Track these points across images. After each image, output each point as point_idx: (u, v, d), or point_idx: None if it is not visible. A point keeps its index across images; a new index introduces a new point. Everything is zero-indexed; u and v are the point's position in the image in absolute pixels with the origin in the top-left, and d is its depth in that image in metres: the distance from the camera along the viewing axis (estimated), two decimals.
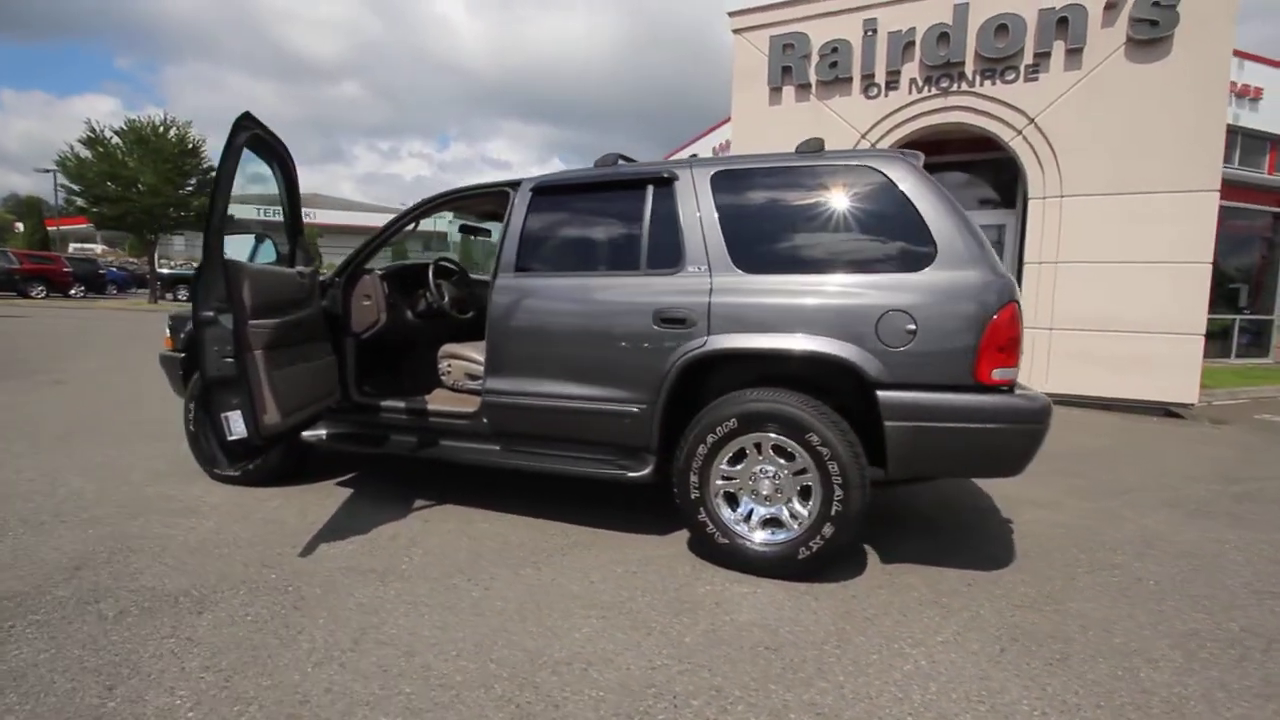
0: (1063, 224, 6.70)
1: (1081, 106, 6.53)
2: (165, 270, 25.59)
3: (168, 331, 3.86)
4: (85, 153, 19.16)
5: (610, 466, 2.84)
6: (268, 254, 3.02)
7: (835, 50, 7.62)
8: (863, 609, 2.36)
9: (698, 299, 2.63)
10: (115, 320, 15.05)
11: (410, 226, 3.44)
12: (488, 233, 4.36)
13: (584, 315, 2.83)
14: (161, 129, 19.64)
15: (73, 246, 35.46)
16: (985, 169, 7.94)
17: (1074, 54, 6.52)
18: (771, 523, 2.60)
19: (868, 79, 7.60)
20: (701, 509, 2.62)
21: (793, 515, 2.56)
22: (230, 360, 2.32)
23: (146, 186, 19.05)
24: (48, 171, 26.69)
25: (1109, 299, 6.36)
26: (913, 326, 2.36)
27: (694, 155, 27.74)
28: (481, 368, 3.39)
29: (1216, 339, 10.37)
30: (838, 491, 2.43)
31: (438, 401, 3.33)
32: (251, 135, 2.43)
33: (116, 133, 19.51)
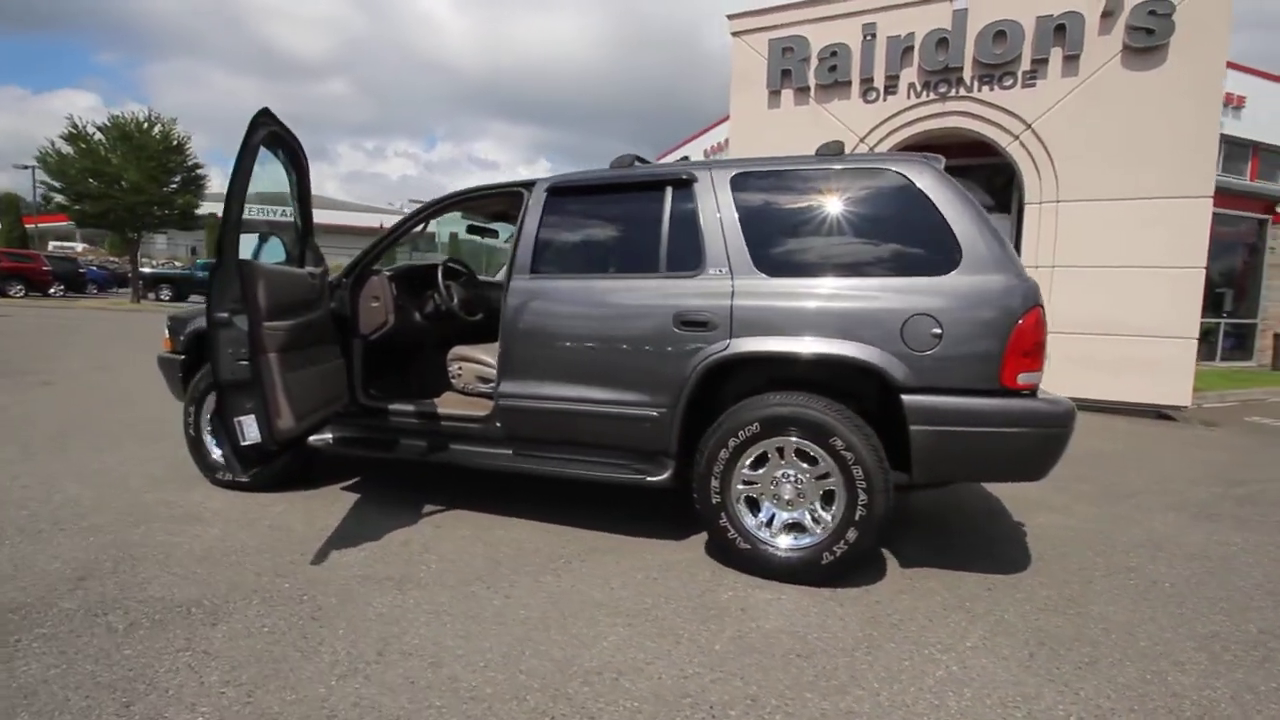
0: (1059, 229, 6.77)
1: (1078, 113, 6.60)
2: (147, 269, 25.12)
3: (166, 333, 3.77)
4: (67, 149, 18.76)
5: (628, 471, 2.81)
6: (274, 254, 2.95)
7: (834, 54, 7.65)
8: (888, 614, 2.35)
9: (719, 302, 2.60)
10: (97, 320, 14.75)
11: (420, 227, 3.38)
12: (495, 233, 4.31)
13: (602, 318, 2.79)
14: (146, 125, 19.29)
15: (52, 244, 34.75)
16: (982, 173, 8.00)
17: (1071, 61, 6.59)
18: (794, 528, 2.58)
19: (866, 83, 7.63)
20: (723, 514, 2.60)
21: (815, 520, 2.54)
22: (245, 363, 2.25)
23: (130, 184, 18.67)
24: (26, 168, 26.16)
25: (1104, 303, 6.43)
26: (938, 330, 2.36)
27: (685, 157, 27.78)
28: (493, 370, 3.34)
29: (1202, 342, 10.54)
30: (862, 496, 2.41)
31: (448, 405, 3.28)
32: (269, 132, 2.37)
33: (100, 129, 19.14)
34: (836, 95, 7.82)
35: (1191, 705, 1.89)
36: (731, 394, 2.74)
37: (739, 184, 2.75)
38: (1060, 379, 6.68)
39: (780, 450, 2.55)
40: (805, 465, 2.53)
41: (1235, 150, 13.04)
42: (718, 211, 2.73)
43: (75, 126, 18.78)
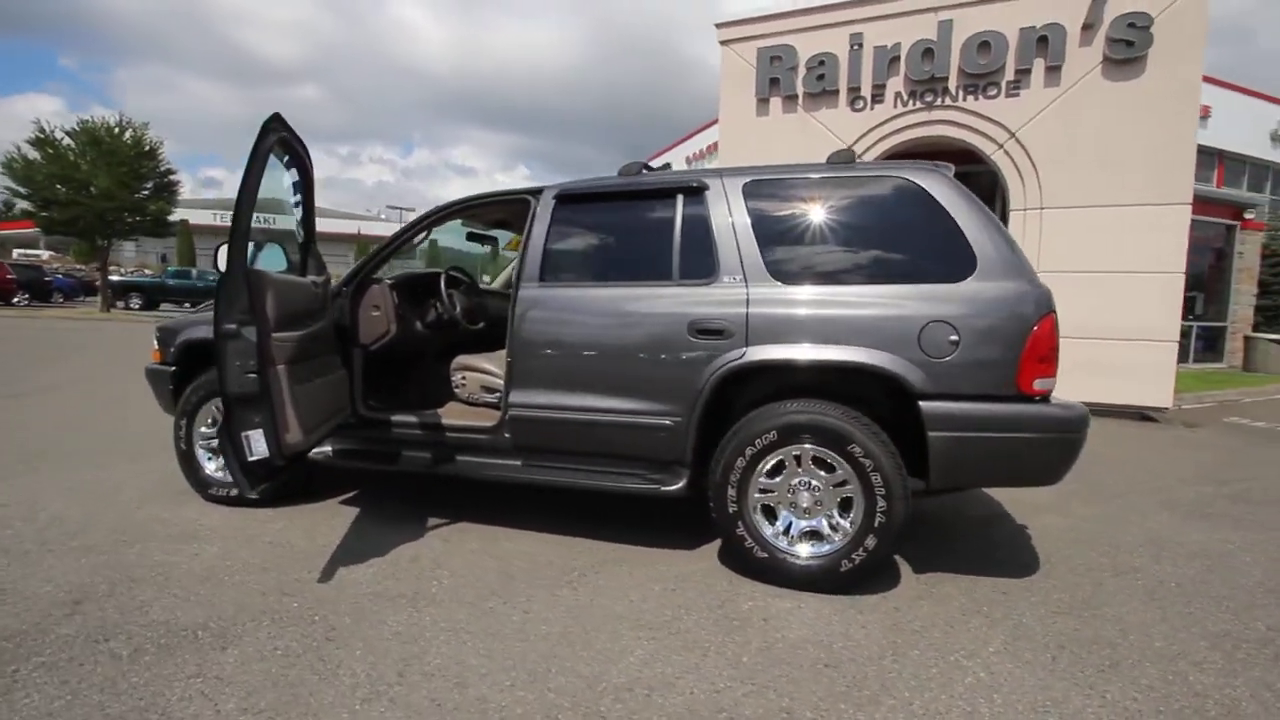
0: (1043, 235, 6.90)
1: (1060, 122, 6.76)
2: (116, 277, 24.44)
3: (155, 344, 3.65)
4: (34, 154, 18.20)
5: (642, 481, 2.78)
6: (274, 261, 2.86)
7: (822, 63, 7.73)
8: (909, 621, 2.34)
9: (735, 310, 2.59)
10: (67, 330, 14.29)
11: (422, 235, 3.32)
12: (494, 240, 4.26)
13: (615, 326, 2.76)
14: (117, 130, 18.80)
15: (16, 252, 33.68)
16: (966, 181, 8.12)
17: (1053, 71, 6.74)
18: (811, 535, 2.57)
19: (854, 92, 7.73)
20: (740, 523, 2.58)
21: (833, 528, 2.54)
22: (253, 376, 2.18)
23: (100, 190, 18.16)
24: None
25: (1088, 307, 6.56)
26: (955, 337, 2.37)
27: (666, 164, 27.92)
28: (498, 380, 3.30)
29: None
30: (881, 503, 2.41)
31: (452, 415, 3.22)
32: (279, 139, 2.30)
33: (68, 133, 18.59)
34: (824, 104, 7.91)
35: (1215, 705, 1.92)
36: (744, 402, 2.73)
37: (751, 192, 2.75)
38: None
39: (797, 458, 2.54)
40: (823, 473, 2.53)
41: (1202, 158, 13.44)
42: (730, 219, 2.72)
43: (43, 131, 18.24)
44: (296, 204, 2.75)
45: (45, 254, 37.16)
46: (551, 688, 1.88)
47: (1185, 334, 11.46)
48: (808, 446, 2.50)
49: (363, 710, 1.75)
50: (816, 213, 2.73)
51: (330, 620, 2.22)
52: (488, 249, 4.54)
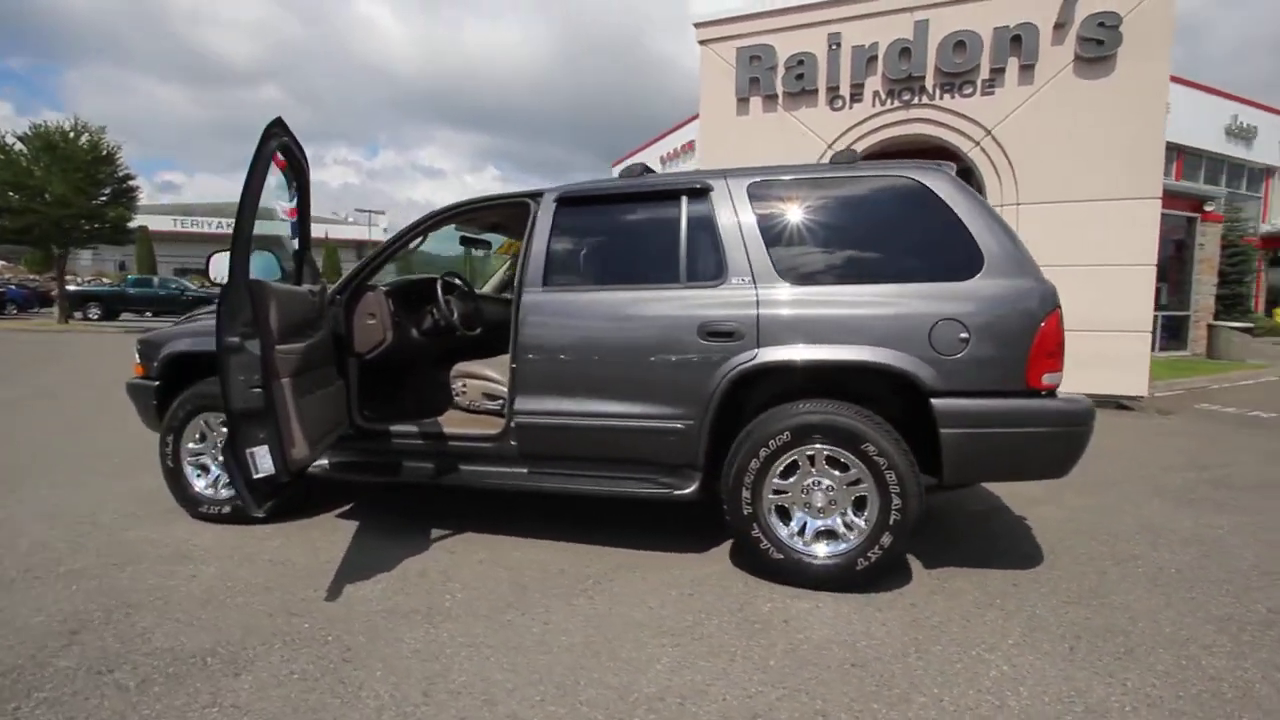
0: (1020, 229, 7.02)
1: (1035, 119, 6.91)
2: (73, 287, 23.55)
3: (137, 357, 3.50)
4: None
5: (653, 485, 2.75)
6: (268, 270, 2.77)
7: (801, 63, 7.79)
8: (927, 617, 2.36)
9: (745, 311, 2.58)
10: (24, 343, 13.72)
11: (417, 240, 3.25)
12: (488, 245, 4.19)
13: (623, 330, 2.73)
14: (72, 134, 18.10)
15: None
16: None
17: (1027, 70, 6.90)
18: (826, 535, 2.57)
19: (832, 91, 7.81)
20: (755, 525, 2.57)
21: (848, 526, 2.54)
22: (257, 390, 2.10)
23: (54, 197, 17.46)
24: None
25: (1065, 299, 6.69)
26: (965, 335, 2.39)
27: (642, 164, 27.93)
28: (499, 387, 3.25)
29: None
30: (896, 501, 2.43)
31: (454, 424, 3.15)
32: (280, 144, 2.22)
33: (20, 138, 17.85)
34: (804, 103, 7.97)
35: (1230, 687, 1.97)
36: (753, 404, 2.72)
37: (756, 193, 2.74)
38: None
39: (811, 458, 2.54)
40: (836, 472, 2.53)
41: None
42: (737, 220, 2.71)
43: None
44: (292, 210, 2.66)
45: None
46: (583, 700, 1.84)
47: (1152, 324, 11.85)
48: (821, 446, 2.51)
49: None
50: (822, 213, 2.73)
51: (344, 640, 2.15)
52: (483, 253, 4.47)
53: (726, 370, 2.57)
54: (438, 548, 2.99)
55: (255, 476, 2.16)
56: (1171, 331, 12.33)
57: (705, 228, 2.76)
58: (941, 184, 2.58)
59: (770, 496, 2.58)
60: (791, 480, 2.58)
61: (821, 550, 2.53)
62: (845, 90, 7.76)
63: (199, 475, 3.32)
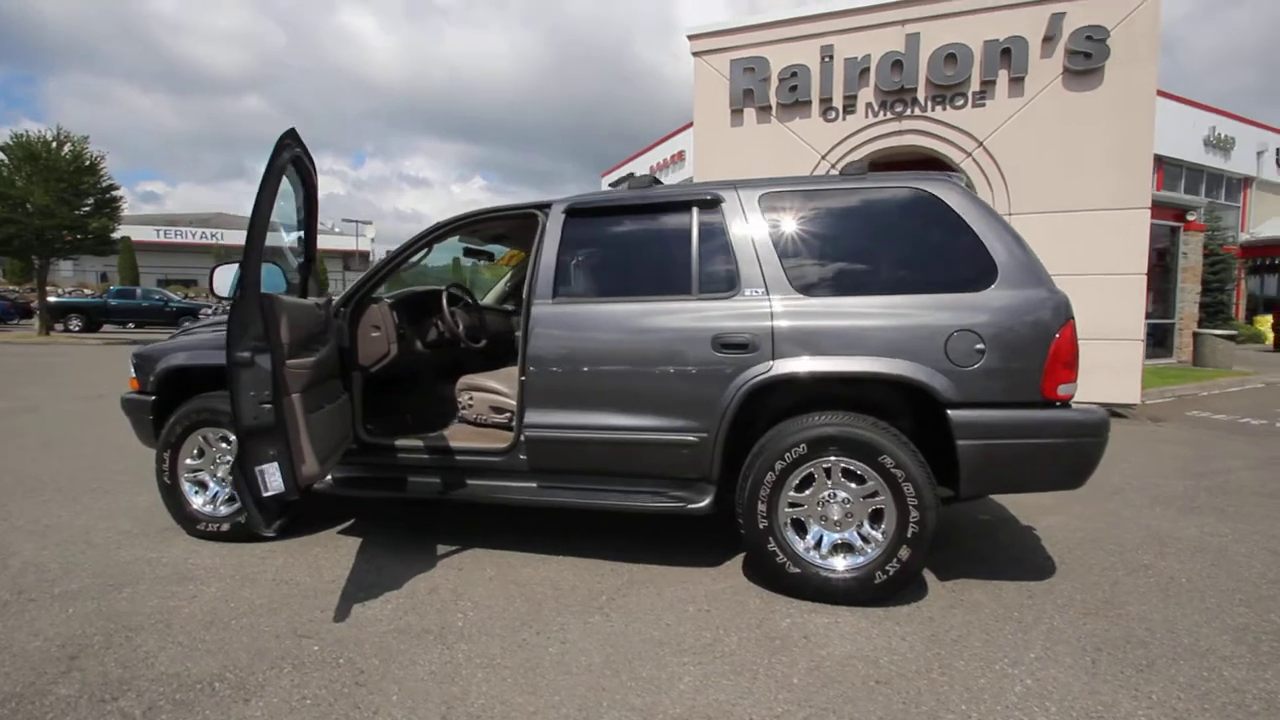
0: None
1: (1025, 131, 7.01)
2: (54, 298, 23.14)
3: (132, 371, 3.43)
4: None
5: (665, 499, 2.72)
6: (273, 282, 2.71)
7: (794, 74, 7.85)
8: (946, 631, 2.34)
9: (759, 323, 2.57)
10: (4, 355, 13.44)
11: (424, 252, 3.21)
12: (491, 256, 4.16)
13: (635, 342, 2.71)
14: (55, 144, 17.85)
15: None
16: None
17: (1017, 82, 7.00)
18: (842, 548, 2.55)
19: (825, 102, 7.87)
20: (771, 539, 2.54)
21: (865, 539, 2.52)
22: (268, 406, 2.05)
23: (36, 207, 17.19)
24: None
25: None
26: (981, 346, 2.39)
27: (631, 174, 28.05)
28: (506, 400, 3.21)
29: None
30: (914, 513, 2.41)
31: (460, 438, 3.11)
32: (293, 155, 2.18)
33: (1, 148, 17.57)
34: (798, 114, 8.03)
35: (1254, 699, 1.96)
36: (766, 416, 2.70)
37: (768, 203, 2.74)
38: None
39: (827, 470, 2.53)
40: (853, 485, 2.52)
41: None
42: (749, 232, 2.70)
43: None
44: (299, 223, 2.61)
45: None
46: None
47: (1144, 332, 12.00)
48: (838, 458, 2.49)
49: None
50: (835, 224, 2.73)
51: (357, 663, 2.10)
52: (471, 263, 4.43)
53: (742, 383, 2.55)
54: (445, 564, 2.93)
55: (265, 494, 2.10)
56: (1157, 339, 12.49)
57: (717, 239, 2.74)
58: (952, 195, 2.59)
59: (786, 510, 2.56)
60: (807, 493, 2.56)
61: (840, 564, 2.50)
62: (838, 102, 7.82)
63: (197, 492, 3.24)
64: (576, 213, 2.93)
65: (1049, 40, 6.80)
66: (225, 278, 2.79)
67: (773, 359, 2.53)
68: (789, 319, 2.55)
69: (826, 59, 7.77)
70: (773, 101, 8.09)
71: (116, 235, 21.13)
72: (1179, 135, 16.69)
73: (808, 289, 2.60)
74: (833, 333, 2.51)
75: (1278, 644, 2.29)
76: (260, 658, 2.12)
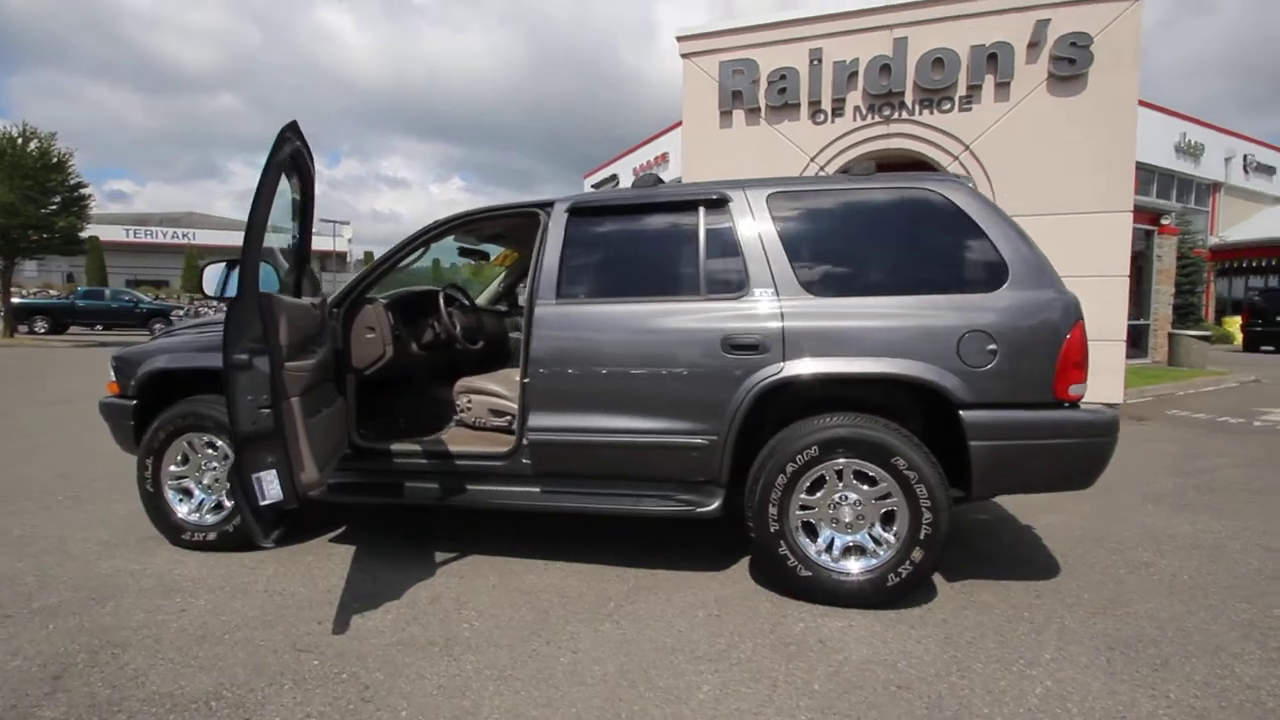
0: None
1: (1011, 135, 7.10)
2: (18, 299, 22.38)
3: (112, 374, 3.28)
4: None
5: (672, 503, 2.67)
6: (267, 282, 2.61)
7: (783, 77, 7.87)
8: (960, 634, 2.32)
9: (769, 324, 2.53)
10: None
11: (420, 251, 3.12)
12: (486, 256, 4.07)
13: (642, 344, 2.66)
14: (20, 141, 17.28)
15: None
16: None
17: (1003, 87, 7.09)
18: (854, 551, 2.52)
19: (814, 105, 7.90)
20: (782, 542, 2.50)
21: (876, 541, 2.50)
22: (266, 410, 1.96)
23: (1, 205, 16.64)
24: None
25: None
26: (993, 346, 2.38)
27: (614, 175, 27.97)
28: (506, 403, 3.13)
29: None
30: (927, 515, 2.39)
31: (460, 442, 3.03)
32: (293, 149, 2.09)
33: None
34: (786, 116, 8.05)
35: (1269, 695, 1.97)
36: (775, 418, 2.66)
37: (776, 203, 2.71)
38: None
39: (839, 472, 2.50)
40: (865, 487, 2.49)
41: None
42: (757, 232, 2.67)
43: None
44: (293, 220, 2.51)
45: None
46: None
47: (1126, 333, 12.26)
48: (850, 460, 2.46)
49: None
50: (843, 224, 2.71)
51: (361, 677, 2.01)
52: (474, 263, 4.36)
53: (752, 384, 2.51)
54: (444, 572, 2.85)
55: (263, 503, 2.01)
56: (1132, 340, 12.74)
57: (725, 239, 2.71)
58: (962, 195, 2.58)
59: (797, 513, 2.53)
60: (818, 495, 2.53)
61: (854, 567, 2.47)
62: (827, 105, 7.86)
63: (181, 500, 3.11)
64: (580, 212, 2.87)
65: (1034, 46, 6.90)
66: (215, 276, 2.68)
67: (784, 360, 2.50)
68: (800, 320, 2.51)
69: (815, 62, 7.80)
70: (762, 104, 8.09)
71: (84, 235, 20.54)
72: (1151, 141, 17.10)
73: (817, 290, 2.57)
74: (844, 333, 2.48)
75: None
76: (258, 674, 2.02)
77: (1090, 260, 6.84)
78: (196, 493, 3.11)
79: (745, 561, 2.93)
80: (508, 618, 2.41)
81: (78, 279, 34.78)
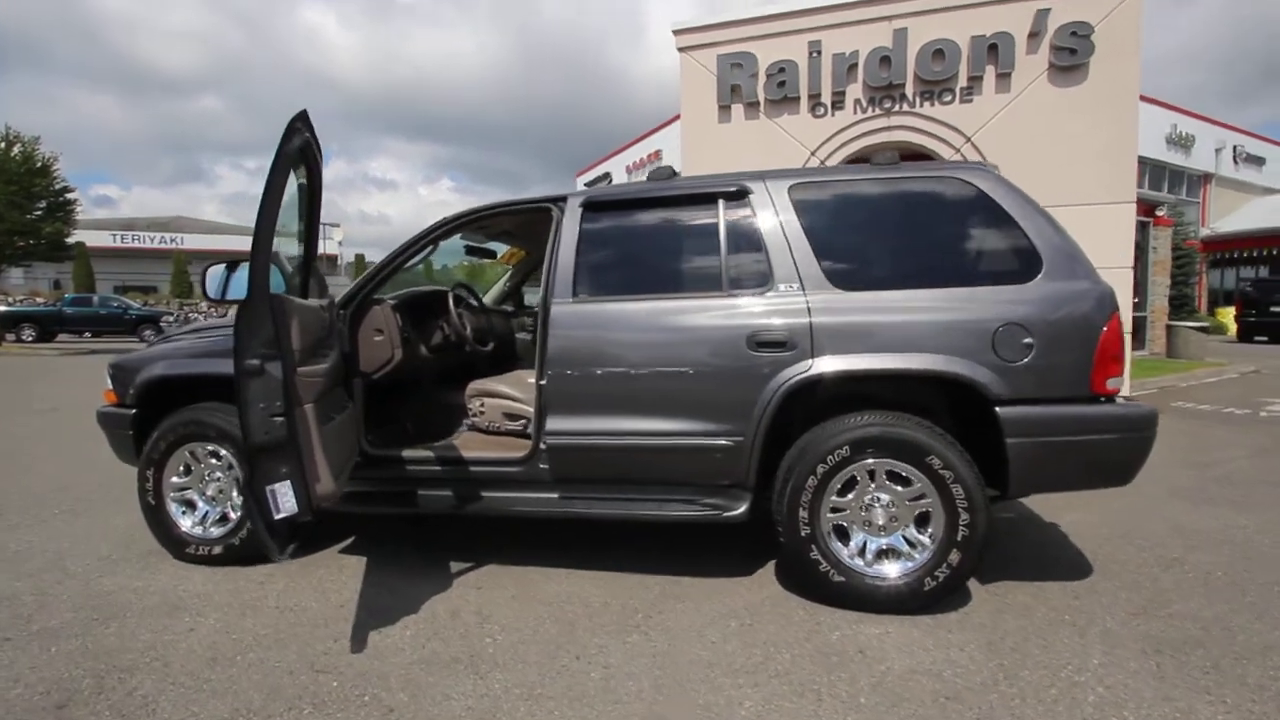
0: None
1: (1013, 126, 7.05)
2: (4, 307, 22.04)
3: (109, 382, 3.16)
4: None
5: (698, 507, 2.58)
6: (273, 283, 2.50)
7: (783, 70, 7.79)
8: (1002, 639, 2.25)
9: (796, 320, 2.44)
10: None
11: (429, 249, 3.02)
12: (493, 254, 3.97)
13: (663, 342, 2.56)
14: (3, 146, 17.02)
15: None
16: None
17: (1004, 78, 7.04)
18: (888, 554, 2.44)
19: (814, 98, 7.82)
20: (813, 546, 2.42)
21: (911, 544, 2.42)
22: (280, 419, 1.85)
23: None
24: None
25: None
26: (1029, 340, 2.31)
27: (606, 174, 27.84)
28: (521, 406, 3.04)
29: None
30: (964, 516, 2.31)
31: (473, 447, 2.93)
32: (303, 141, 1.98)
33: None
34: (786, 110, 7.97)
35: None
36: (802, 417, 2.58)
37: (798, 195, 2.62)
38: None
39: (871, 473, 2.42)
40: (898, 487, 2.41)
41: None
42: (780, 225, 2.58)
43: None
44: (300, 217, 2.40)
45: None
46: None
47: (1131, 325, 12.28)
48: (882, 460, 2.38)
49: None
50: (869, 215, 2.63)
51: (384, 699, 1.91)
52: (481, 261, 4.25)
53: (780, 382, 2.42)
54: (461, 584, 2.75)
55: (277, 517, 1.90)
56: (1131, 332, 12.81)
57: (746, 232, 2.62)
58: (992, 184, 2.50)
59: (828, 515, 2.44)
60: (849, 497, 2.45)
61: (891, 571, 2.39)
62: (827, 98, 7.78)
63: (184, 513, 2.99)
64: (594, 206, 2.78)
65: (1034, 36, 6.85)
66: (217, 277, 2.57)
67: (812, 357, 2.41)
68: (828, 315, 2.43)
69: (814, 55, 7.72)
70: (761, 97, 8.01)
71: (71, 240, 20.25)
72: (1142, 133, 17.11)
73: (845, 283, 2.49)
74: (875, 328, 2.40)
75: None
76: (274, 697, 1.92)
77: (1095, 252, 6.73)
78: (200, 505, 3.00)
79: (771, 566, 2.84)
80: (532, 631, 2.32)
81: (65, 286, 34.31)
